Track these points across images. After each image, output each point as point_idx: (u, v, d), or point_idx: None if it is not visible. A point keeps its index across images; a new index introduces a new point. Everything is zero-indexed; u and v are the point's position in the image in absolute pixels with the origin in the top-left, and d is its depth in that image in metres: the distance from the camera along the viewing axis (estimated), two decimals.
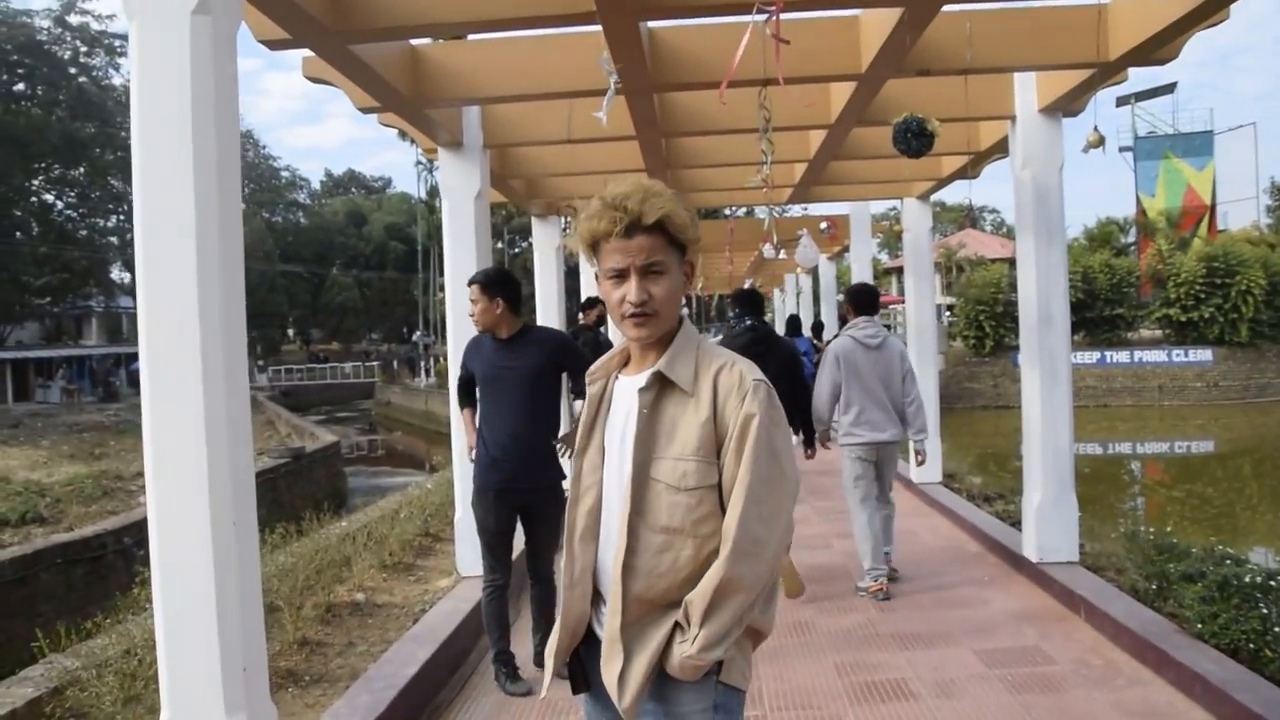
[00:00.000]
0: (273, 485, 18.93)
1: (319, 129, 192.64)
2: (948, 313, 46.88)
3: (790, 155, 7.82)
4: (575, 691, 2.25)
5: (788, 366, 6.36)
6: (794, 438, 4.76)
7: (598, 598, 2.17)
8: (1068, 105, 6.34)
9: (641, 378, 2.11)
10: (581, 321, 10.43)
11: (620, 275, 2.06)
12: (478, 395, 5.01)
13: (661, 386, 2.09)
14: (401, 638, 5.48)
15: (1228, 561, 5.24)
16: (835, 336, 7.20)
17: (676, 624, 2.03)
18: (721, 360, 2.09)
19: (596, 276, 2.13)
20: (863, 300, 6.72)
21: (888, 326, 39.20)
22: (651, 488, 2.06)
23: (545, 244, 10.21)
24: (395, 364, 65.57)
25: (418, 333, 63.38)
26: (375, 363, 64.87)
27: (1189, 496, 20.27)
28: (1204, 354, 36.04)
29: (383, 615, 6.21)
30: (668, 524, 2.04)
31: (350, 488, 25.97)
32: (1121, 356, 36.89)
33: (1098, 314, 37.31)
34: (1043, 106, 6.35)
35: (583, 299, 11.53)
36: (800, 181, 8.76)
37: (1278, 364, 36.11)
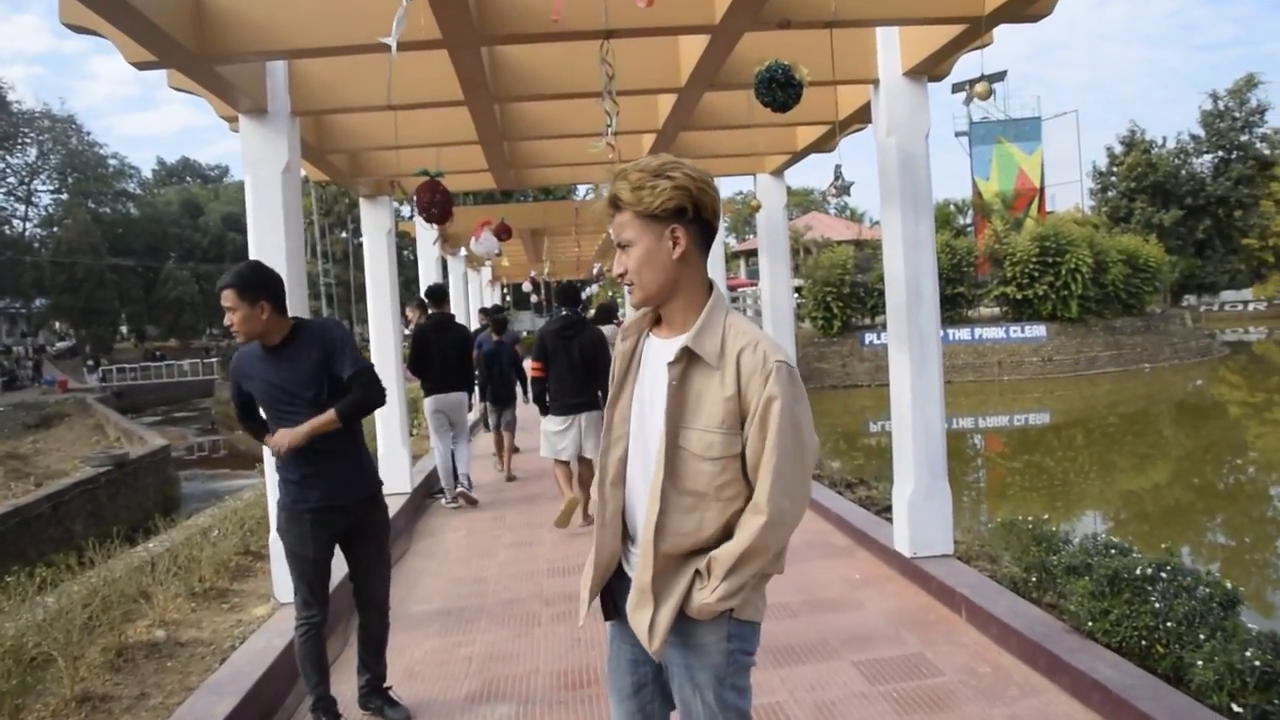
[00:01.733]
0: (92, 497, 17.37)
1: (153, 115, 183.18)
2: (796, 294, 47.45)
3: (637, 125, 7.22)
4: (607, 618, 2.48)
5: (590, 349, 7.75)
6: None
7: (627, 537, 2.40)
8: (933, 68, 5.92)
9: (670, 350, 2.26)
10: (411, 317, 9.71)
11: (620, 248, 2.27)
12: (264, 415, 4.23)
13: (690, 360, 2.22)
14: (201, 687, 4.66)
15: (1113, 552, 4.88)
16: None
17: (697, 572, 2.24)
18: (745, 339, 2.20)
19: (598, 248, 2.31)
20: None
21: (740, 310, 39.47)
22: (680, 455, 2.22)
23: (375, 228, 9.32)
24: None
25: None
26: (215, 359, 61.84)
27: (1030, 467, 20.81)
28: (1038, 330, 37.36)
29: (186, 655, 5.33)
30: (694, 488, 2.23)
31: (184, 494, 24.33)
32: (963, 334, 37.89)
33: (940, 293, 38.19)
34: (907, 69, 5.91)
35: (423, 290, 10.71)
36: (648, 154, 8.15)
37: (1104, 339, 37.81)
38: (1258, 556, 12.92)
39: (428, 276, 13.16)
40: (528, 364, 8.87)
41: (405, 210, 19.80)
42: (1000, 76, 50.62)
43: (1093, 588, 4.57)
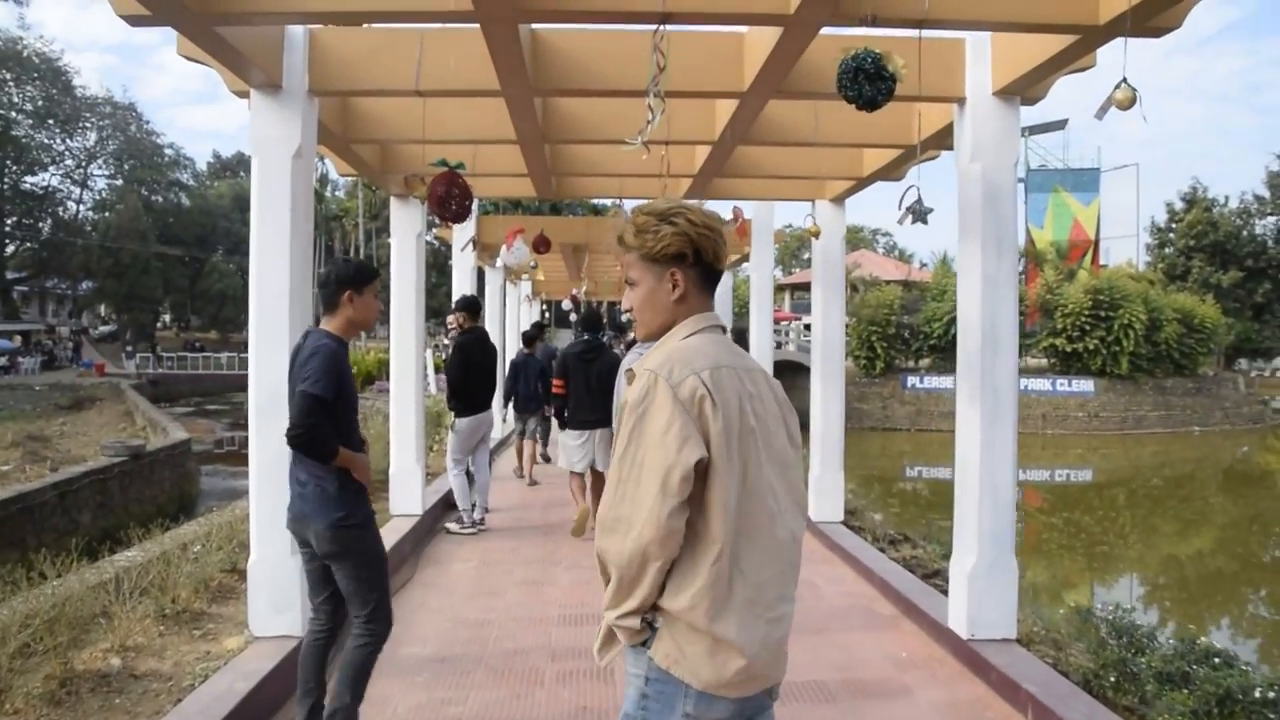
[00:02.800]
0: (103, 488, 16.90)
1: (216, 110, 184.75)
2: None
3: (691, 133, 6.56)
4: None
5: (606, 372, 8.10)
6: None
7: None
8: (1026, 88, 5.24)
9: None
10: (453, 324, 9.12)
11: None
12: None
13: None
14: None
15: (1216, 660, 4.15)
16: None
17: None
18: (655, 352, 2.25)
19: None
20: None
21: (778, 344, 38.82)
22: None
23: (405, 230, 8.74)
24: None
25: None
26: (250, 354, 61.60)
27: (1070, 525, 20.07)
28: (1086, 385, 36.67)
29: (138, 691, 4.71)
30: None
31: (203, 490, 23.93)
32: None
33: None
34: (999, 88, 5.23)
35: (454, 298, 10.21)
36: (701, 170, 7.51)
37: (1153, 397, 36.94)
38: None
39: (462, 288, 12.62)
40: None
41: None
42: (1061, 125, 49.80)
43: (1196, 705, 3.85)
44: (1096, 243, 46.02)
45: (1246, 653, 10.14)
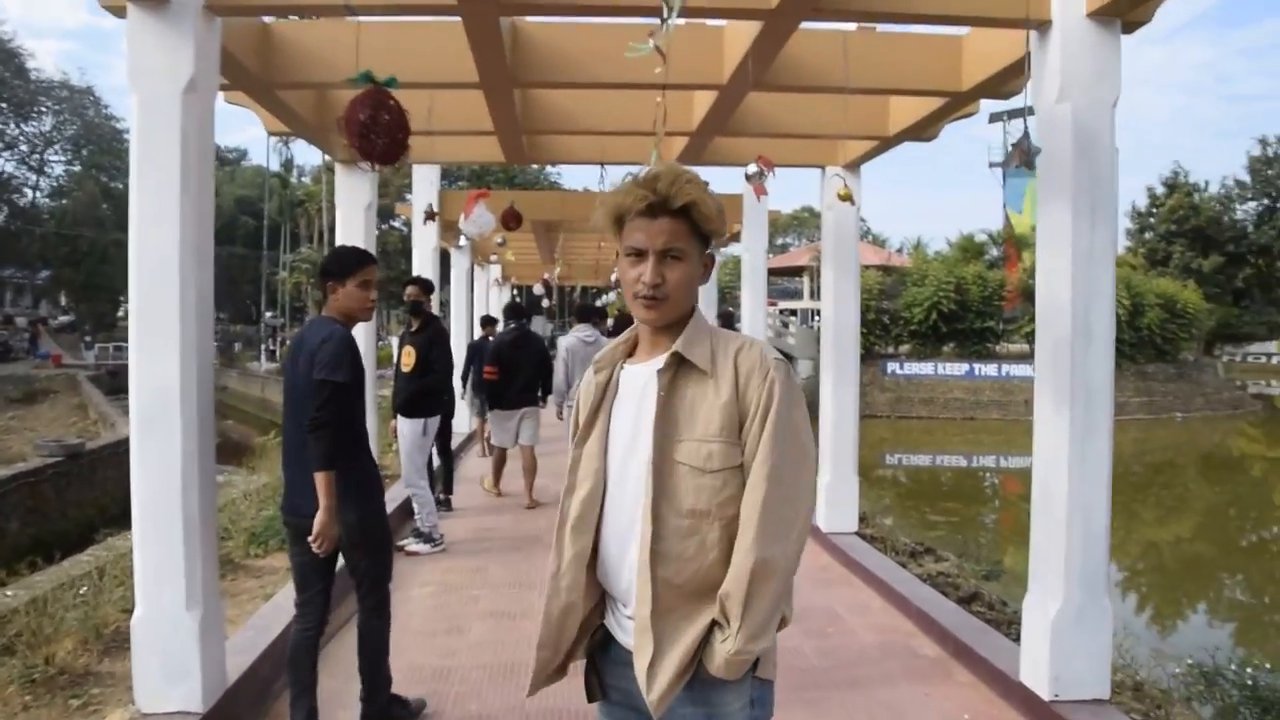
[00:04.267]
0: (33, 491, 15.53)
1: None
2: (816, 318, 46.26)
3: (692, 74, 5.33)
4: (590, 699, 2.23)
5: (537, 357, 9.58)
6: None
7: (613, 596, 2.13)
8: (1131, 7, 4.12)
9: (659, 360, 2.07)
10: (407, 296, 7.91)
11: (639, 255, 2.03)
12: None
13: (679, 367, 2.05)
14: None
15: None
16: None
17: (714, 622, 1.97)
18: (740, 340, 2.07)
19: (617, 254, 2.11)
20: (585, 313, 9.64)
21: (777, 333, 38.00)
22: (675, 470, 2.00)
23: (351, 201, 7.48)
24: (236, 346, 61.27)
25: (268, 313, 59.70)
26: (215, 343, 60.35)
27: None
28: None
29: None
30: (694, 507, 1.99)
31: None
32: (989, 369, 36.76)
33: (968, 326, 36.95)
34: (1095, 7, 4.12)
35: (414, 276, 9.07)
36: (702, 124, 6.33)
37: (1135, 383, 36.42)
38: None
39: (422, 271, 11.41)
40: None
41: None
42: (1029, 111, 49.37)
43: None
44: None
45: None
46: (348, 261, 4.01)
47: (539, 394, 9.78)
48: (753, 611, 1.90)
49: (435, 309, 9.10)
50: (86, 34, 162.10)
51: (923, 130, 6.44)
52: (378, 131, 4.13)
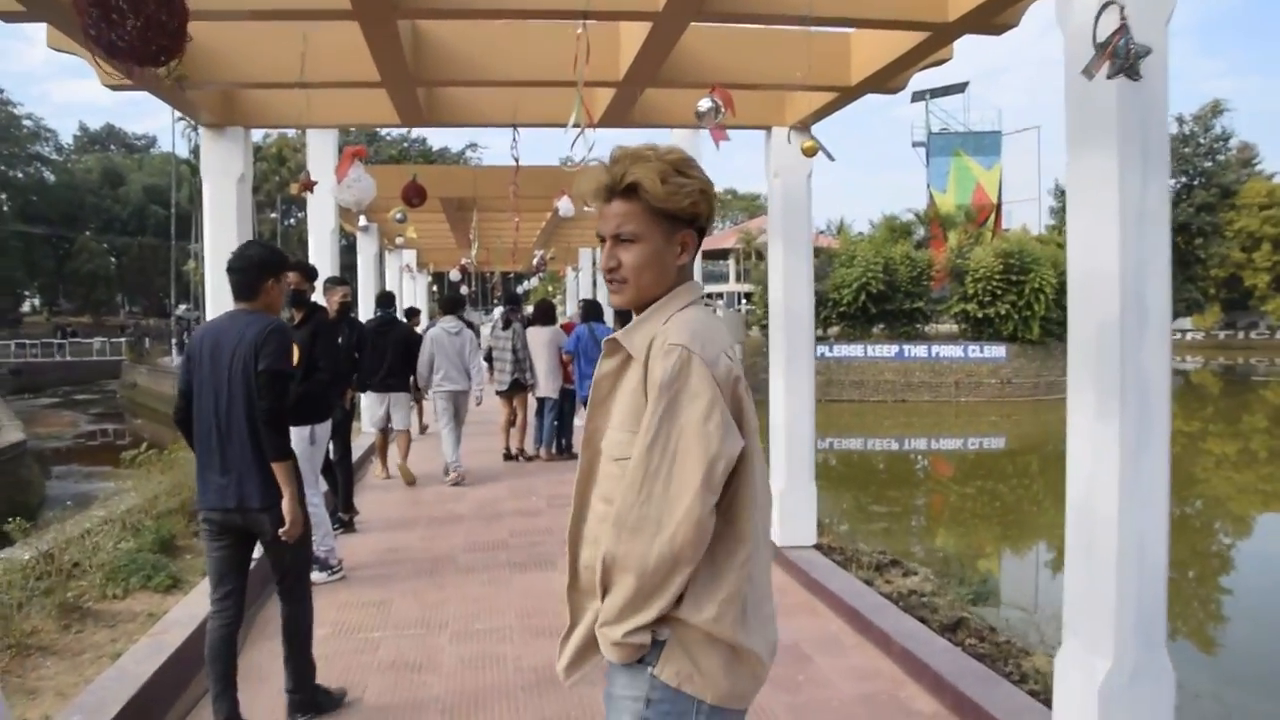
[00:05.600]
0: None
1: (93, 84, 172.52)
2: (745, 301, 45.76)
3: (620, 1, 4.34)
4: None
5: (403, 343, 9.95)
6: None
7: None
8: None
9: None
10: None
11: (602, 240, 2.06)
12: None
13: (621, 355, 2.05)
14: None
15: None
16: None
17: None
18: (674, 328, 1.95)
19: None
20: (450, 305, 10.83)
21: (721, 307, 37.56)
22: (597, 457, 2.06)
23: (220, 170, 6.26)
24: (148, 341, 58.86)
25: (182, 306, 57.42)
26: (125, 339, 58.10)
27: (983, 494, 18.98)
28: (998, 350, 36.01)
29: None
30: (607, 494, 2.01)
31: (49, 496, 20.86)
32: (919, 351, 36.45)
33: (898, 307, 36.57)
34: None
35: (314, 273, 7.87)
36: (631, 71, 5.26)
37: (1063, 362, 35.49)
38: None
39: (319, 256, 10.21)
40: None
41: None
42: (961, 88, 49.20)
43: None
44: (999, 206, 45.40)
45: None
46: (283, 259, 4.23)
47: (409, 379, 10.18)
48: (609, 598, 1.91)
49: (329, 300, 7.98)
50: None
51: (889, 78, 5.48)
52: (126, 5, 2.82)
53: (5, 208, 64.28)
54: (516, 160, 6.47)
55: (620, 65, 5.31)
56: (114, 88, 5.22)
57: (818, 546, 6.88)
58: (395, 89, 5.42)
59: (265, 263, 4.08)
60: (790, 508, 6.79)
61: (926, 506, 18.66)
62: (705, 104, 4.73)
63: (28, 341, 56.03)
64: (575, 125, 4.66)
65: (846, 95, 5.80)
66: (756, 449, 1.94)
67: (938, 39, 4.64)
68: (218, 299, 6.33)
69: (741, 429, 1.89)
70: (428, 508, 9.12)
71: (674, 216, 1.98)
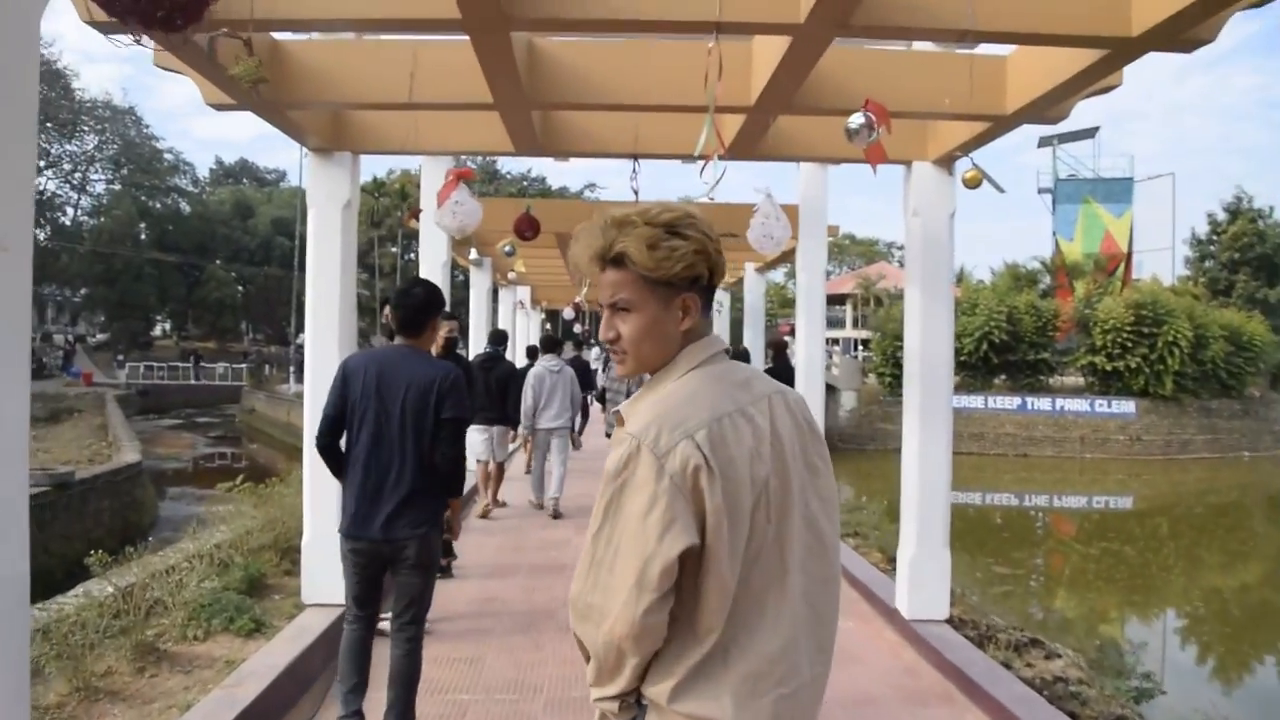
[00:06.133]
0: None
1: (229, 120, 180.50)
2: (862, 348, 44.76)
3: (765, 11, 3.89)
4: None
5: (504, 380, 10.44)
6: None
7: None
8: None
9: None
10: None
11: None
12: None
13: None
14: None
15: None
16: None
17: None
18: (643, 402, 1.94)
19: None
20: (549, 345, 11.05)
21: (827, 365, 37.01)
22: None
23: (326, 196, 5.99)
24: (268, 367, 60.70)
25: (302, 335, 58.98)
26: (247, 364, 60.11)
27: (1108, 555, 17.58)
28: (1127, 406, 34.36)
29: None
30: None
31: (161, 517, 21.25)
32: (1043, 404, 34.99)
33: (1021, 357, 35.21)
34: None
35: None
36: (764, 96, 4.70)
37: (1198, 420, 34.58)
38: None
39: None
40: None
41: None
42: (1091, 133, 47.45)
43: None
44: (1129, 256, 43.48)
45: None
46: (443, 298, 4.38)
47: (508, 414, 10.48)
48: (589, 668, 1.91)
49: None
50: (138, 58, 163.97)
51: (1050, 105, 4.90)
52: None
53: (143, 236, 66.98)
54: (636, 193, 6.06)
55: (752, 90, 4.86)
56: (218, 107, 5.01)
57: (950, 621, 6.23)
58: (509, 111, 5.07)
59: (432, 302, 4.26)
60: (920, 577, 6.16)
61: (1056, 571, 17.57)
62: (857, 120, 4.21)
63: (156, 364, 58.19)
64: (701, 157, 4.26)
65: (1000, 125, 5.21)
66: (737, 535, 1.78)
67: (1115, 58, 4.07)
68: (319, 328, 6.08)
69: (704, 522, 1.76)
70: (529, 554, 8.74)
71: (669, 283, 1.89)
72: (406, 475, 4.00)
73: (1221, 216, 50.61)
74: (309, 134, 5.76)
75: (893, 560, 8.47)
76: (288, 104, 4.97)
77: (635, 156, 6.06)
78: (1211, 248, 50.60)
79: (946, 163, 6.09)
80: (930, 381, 6.19)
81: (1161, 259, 48.48)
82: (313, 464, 6.03)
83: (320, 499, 6.07)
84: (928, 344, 6.18)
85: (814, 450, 1.96)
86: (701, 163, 4.23)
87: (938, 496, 6.17)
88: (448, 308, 8.98)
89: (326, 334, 6.02)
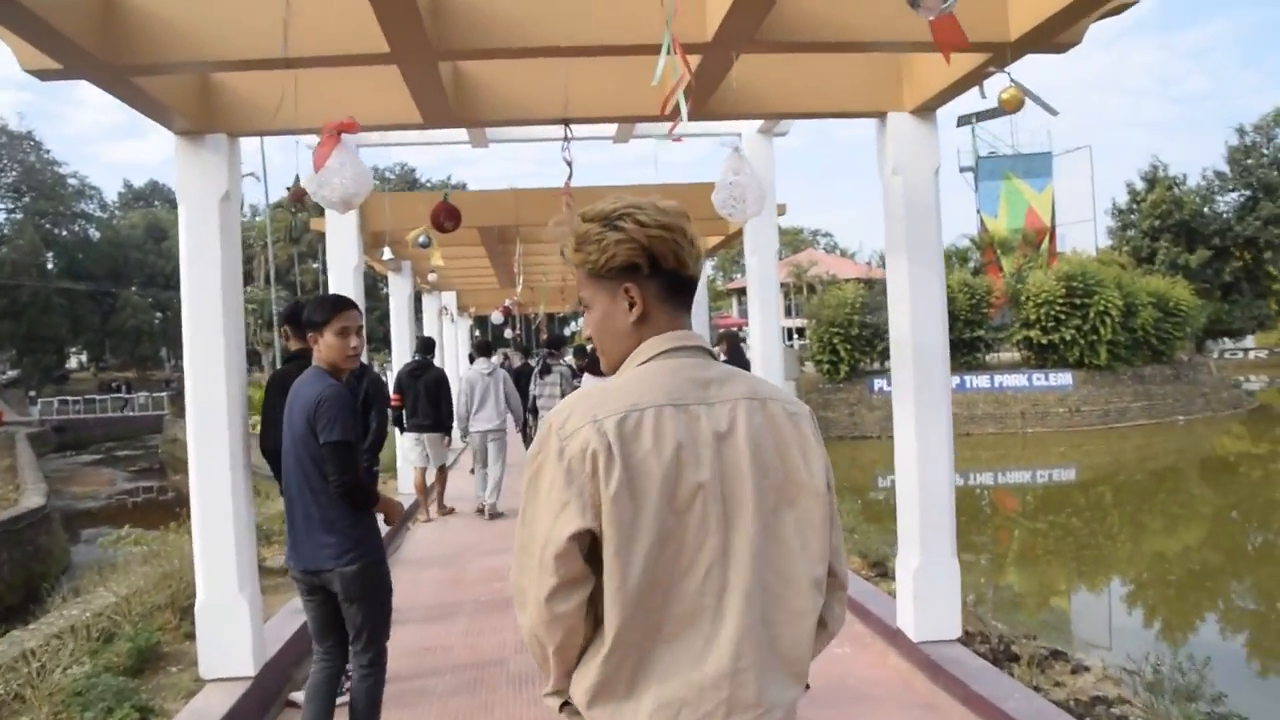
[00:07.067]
0: None
1: (141, 144, 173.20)
2: (797, 336, 44.40)
3: None
4: None
5: (434, 384, 10.49)
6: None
7: None
8: None
9: None
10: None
11: None
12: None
13: None
14: None
15: None
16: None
17: None
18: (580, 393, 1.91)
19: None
20: (483, 348, 11.47)
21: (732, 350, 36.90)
22: None
23: (197, 190, 4.99)
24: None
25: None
26: (167, 393, 58.06)
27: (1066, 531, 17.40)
28: (1064, 378, 34.48)
29: None
30: None
31: (74, 563, 19.74)
32: (982, 381, 34.89)
33: (957, 336, 34.98)
34: None
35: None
36: (722, 30, 3.89)
37: (1133, 387, 34.83)
38: None
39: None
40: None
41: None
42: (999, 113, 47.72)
43: None
44: (1053, 229, 43.64)
45: None
46: (321, 309, 3.88)
47: (443, 420, 10.65)
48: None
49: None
50: (40, 86, 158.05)
51: (1064, 26, 4.09)
52: None
53: (50, 266, 64.46)
54: (569, 164, 5.14)
55: (708, 22, 3.96)
56: (41, 75, 3.98)
57: (962, 640, 5.40)
58: (411, 64, 4.05)
59: (293, 314, 4.33)
60: (926, 590, 5.30)
61: (1026, 552, 16.97)
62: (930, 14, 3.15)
63: (72, 398, 55.98)
64: (666, 116, 3.38)
65: (1000, 57, 4.39)
66: (639, 533, 1.64)
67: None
68: (199, 348, 5.05)
69: (599, 511, 1.65)
70: (471, 589, 7.77)
71: (606, 275, 1.83)
72: (314, 505, 3.80)
73: (1140, 186, 51.34)
74: (173, 113, 4.72)
75: (876, 566, 7.68)
76: (132, 68, 3.95)
77: (566, 122, 5.12)
78: (1132, 217, 51.32)
79: (927, 114, 5.27)
80: (925, 364, 5.35)
81: (1084, 230, 48.99)
82: (203, 510, 5.02)
83: (215, 551, 5.03)
84: (919, 321, 5.34)
85: (803, 465, 1.78)
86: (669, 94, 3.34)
87: (941, 497, 5.33)
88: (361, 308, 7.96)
89: (209, 353, 4.98)
